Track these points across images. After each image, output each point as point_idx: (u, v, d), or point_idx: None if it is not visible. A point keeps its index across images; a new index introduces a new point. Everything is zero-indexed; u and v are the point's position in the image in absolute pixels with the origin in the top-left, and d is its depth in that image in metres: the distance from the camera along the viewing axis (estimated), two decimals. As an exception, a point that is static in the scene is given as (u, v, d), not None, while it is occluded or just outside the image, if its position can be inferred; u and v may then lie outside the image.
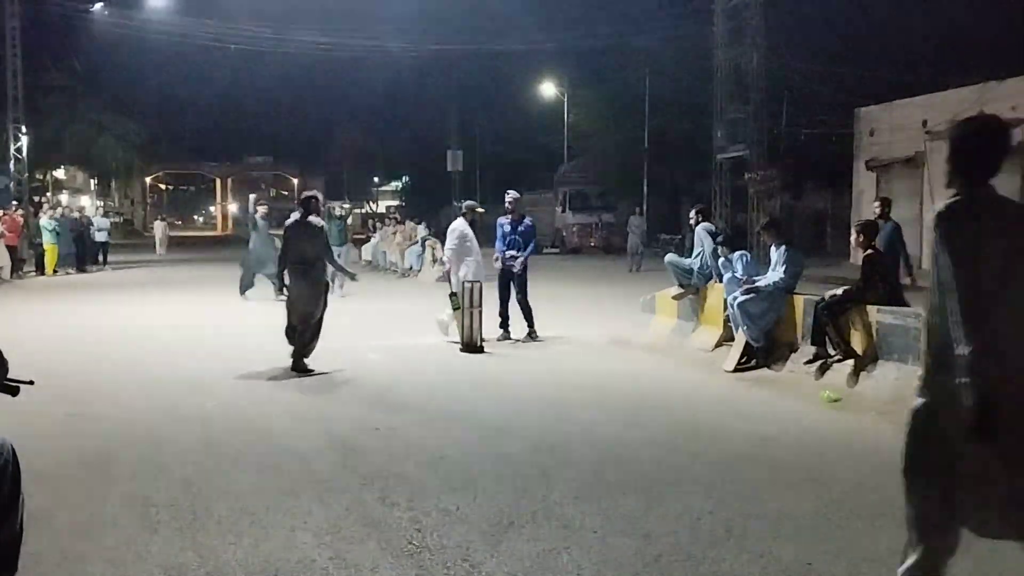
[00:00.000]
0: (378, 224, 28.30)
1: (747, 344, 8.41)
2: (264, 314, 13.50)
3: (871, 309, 7.39)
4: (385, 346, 9.95)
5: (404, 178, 66.32)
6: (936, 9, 25.50)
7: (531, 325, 10.33)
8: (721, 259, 9.03)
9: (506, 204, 10.62)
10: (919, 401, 2.82)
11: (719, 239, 9.50)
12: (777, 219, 9.66)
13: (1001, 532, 2.79)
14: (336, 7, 36.73)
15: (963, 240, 2.67)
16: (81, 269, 22.63)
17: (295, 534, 4.11)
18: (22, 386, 2.95)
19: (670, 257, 10.03)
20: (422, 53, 38.35)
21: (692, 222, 10.13)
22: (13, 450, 2.92)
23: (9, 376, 2.90)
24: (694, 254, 9.74)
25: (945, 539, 2.78)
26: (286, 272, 8.47)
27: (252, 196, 17.32)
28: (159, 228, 31.68)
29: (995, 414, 2.53)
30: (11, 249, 20.13)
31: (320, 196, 9.36)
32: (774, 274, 8.40)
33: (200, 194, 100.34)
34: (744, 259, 8.91)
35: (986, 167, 2.82)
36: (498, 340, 10.10)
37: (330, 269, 14.60)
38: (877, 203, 9.65)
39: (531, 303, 10.38)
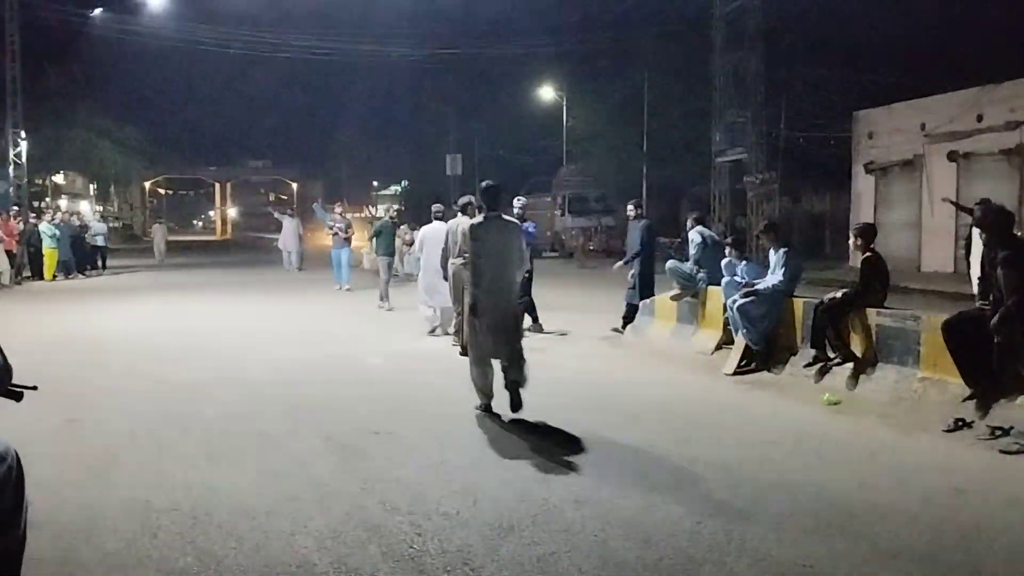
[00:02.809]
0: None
1: (747, 347, 8.41)
2: (263, 318, 13.52)
3: (870, 312, 7.40)
4: (385, 351, 9.96)
5: (403, 182, 66.34)
6: (934, 12, 25.54)
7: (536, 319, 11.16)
8: (726, 260, 9.03)
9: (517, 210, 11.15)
10: (468, 300, 6.62)
11: (728, 240, 9.62)
12: (776, 222, 9.66)
13: (494, 355, 6.48)
14: (335, 11, 36.83)
15: (479, 237, 6.50)
16: (80, 272, 22.62)
17: (295, 538, 4.11)
18: (25, 391, 2.95)
19: (671, 264, 10.01)
20: (421, 57, 38.45)
21: (688, 229, 10.15)
22: (17, 456, 2.91)
23: (13, 382, 2.90)
24: (692, 260, 9.78)
25: (483, 357, 6.52)
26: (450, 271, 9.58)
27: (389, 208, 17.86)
28: (157, 232, 31.24)
29: (480, 306, 6.43)
30: (10, 254, 20.13)
31: (474, 200, 9.99)
32: (773, 277, 8.41)
33: (199, 199, 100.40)
34: (744, 263, 8.93)
35: (491, 203, 6.69)
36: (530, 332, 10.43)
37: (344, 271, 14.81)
38: (632, 205, 11.23)
39: (533, 300, 11.04)
